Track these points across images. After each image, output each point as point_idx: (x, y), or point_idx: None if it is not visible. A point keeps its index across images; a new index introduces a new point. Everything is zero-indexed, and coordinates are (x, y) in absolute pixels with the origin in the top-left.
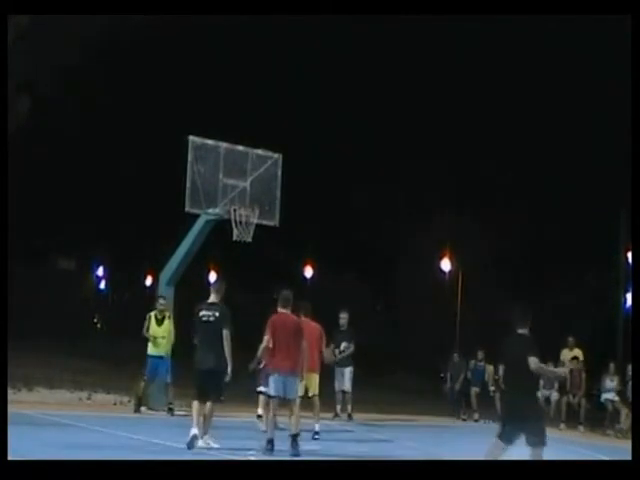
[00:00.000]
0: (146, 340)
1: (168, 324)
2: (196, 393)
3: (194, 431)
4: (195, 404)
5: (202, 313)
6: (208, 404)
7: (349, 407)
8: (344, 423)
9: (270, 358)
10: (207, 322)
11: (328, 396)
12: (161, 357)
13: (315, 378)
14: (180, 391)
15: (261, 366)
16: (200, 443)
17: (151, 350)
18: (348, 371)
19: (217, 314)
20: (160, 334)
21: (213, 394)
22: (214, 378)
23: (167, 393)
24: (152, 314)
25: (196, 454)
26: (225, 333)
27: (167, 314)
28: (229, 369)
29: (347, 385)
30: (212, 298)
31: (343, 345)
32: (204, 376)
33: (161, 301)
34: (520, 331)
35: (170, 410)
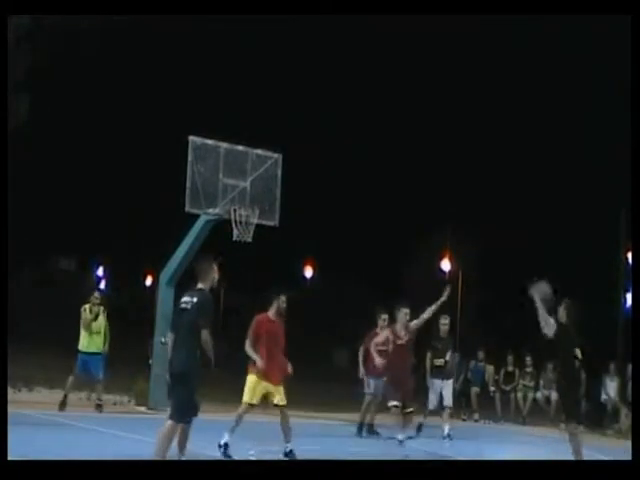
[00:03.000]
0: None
1: (102, 319)
2: (170, 407)
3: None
4: (167, 425)
5: (182, 299)
6: (179, 426)
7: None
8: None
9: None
10: (183, 310)
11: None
12: (93, 353)
13: None
14: None
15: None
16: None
17: (84, 346)
18: (450, 384)
19: (195, 300)
20: (94, 329)
21: (173, 410)
22: (178, 386)
23: (97, 390)
24: (87, 307)
25: (195, 454)
26: (203, 333)
27: (102, 309)
28: (212, 362)
29: (450, 400)
30: (199, 283)
31: (448, 355)
32: (172, 382)
33: (96, 294)
34: None
35: (98, 407)
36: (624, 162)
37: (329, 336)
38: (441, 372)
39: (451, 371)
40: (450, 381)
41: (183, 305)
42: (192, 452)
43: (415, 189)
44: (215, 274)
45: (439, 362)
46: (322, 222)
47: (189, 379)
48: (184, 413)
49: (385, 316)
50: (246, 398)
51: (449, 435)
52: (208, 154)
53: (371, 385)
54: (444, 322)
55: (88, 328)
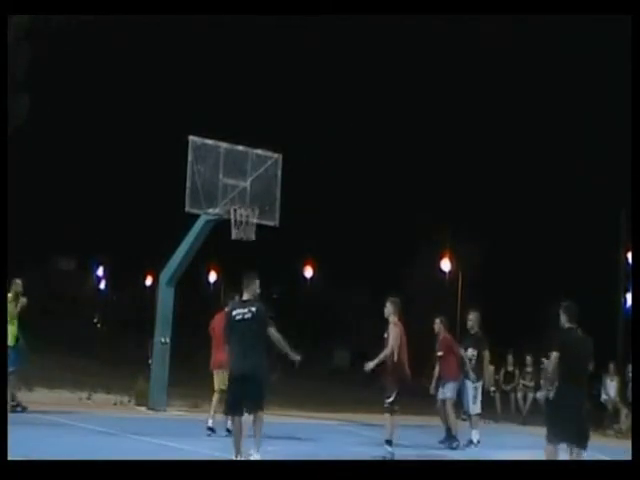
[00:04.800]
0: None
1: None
2: (228, 406)
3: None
4: (236, 420)
5: (235, 312)
6: (256, 417)
7: (474, 432)
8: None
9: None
10: (242, 320)
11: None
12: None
13: None
14: (180, 391)
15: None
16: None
17: (12, 338)
18: (471, 386)
19: (253, 309)
20: (16, 321)
21: (252, 406)
22: (251, 385)
23: (10, 384)
24: (11, 296)
25: (195, 454)
26: (271, 332)
27: (24, 298)
28: (296, 357)
29: (470, 405)
30: (245, 295)
31: (469, 352)
32: (239, 384)
33: (17, 281)
34: None
35: (16, 406)
36: (624, 162)
37: (329, 336)
38: (465, 372)
39: (474, 370)
40: (473, 383)
41: (239, 316)
42: (191, 452)
43: (415, 189)
44: (257, 287)
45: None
46: (322, 222)
47: (264, 377)
48: (263, 404)
49: (438, 320)
50: None
51: (471, 441)
52: (208, 154)
53: (450, 388)
54: (470, 318)
55: (17, 318)
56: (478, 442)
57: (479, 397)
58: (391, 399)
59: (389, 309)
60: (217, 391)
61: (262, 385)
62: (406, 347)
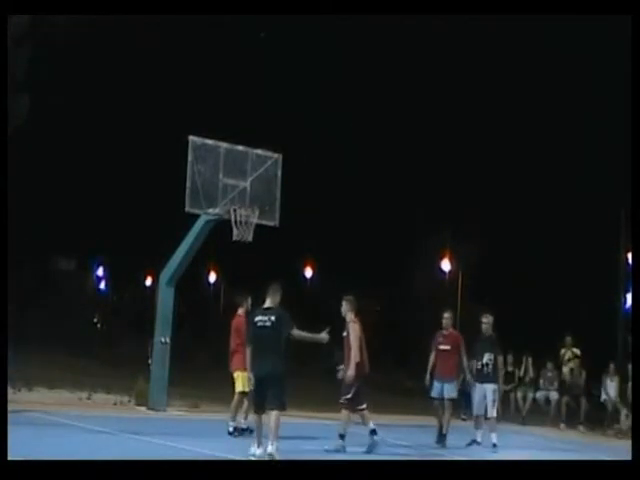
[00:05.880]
0: None
1: None
2: (253, 404)
3: (253, 450)
4: (255, 418)
5: (257, 319)
6: (273, 414)
7: (493, 435)
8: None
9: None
10: (263, 327)
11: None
12: None
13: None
14: (180, 391)
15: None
16: (259, 452)
17: None
18: (490, 390)
19: (273, 318)
20: None
21: (274, 402)
22: (272, 385)
23: None
24: None
25: (196, 454)
26: (295, 333)
27: None
28: (323, 335)
29: (489, 409)
30: (267, 303)
31: (487, 356)
32: (260, 384)
33: None
34: None
35: None
36: (624, 162)
37: (329, 336)
38: (479, 375)
39: (491, 375)
40: (491, 386)
41: (260, 323)
42: (191, 452)
43: (415, 189)
44: (279, 297)
45: (477, 365)
46: (322, 222)
47: (282, 378)
48: (285, 402)
49: (449, 314)
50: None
51: (494, 444)
52: (208, 154)
53: (453, 387)
54: (485, 321)
55: None
56: (487, 445)
57: (497, 400)
58: (349, 395)
59: (345, 308)
60: (238, 392)
61: (281, 385)
62: (365, 344)
